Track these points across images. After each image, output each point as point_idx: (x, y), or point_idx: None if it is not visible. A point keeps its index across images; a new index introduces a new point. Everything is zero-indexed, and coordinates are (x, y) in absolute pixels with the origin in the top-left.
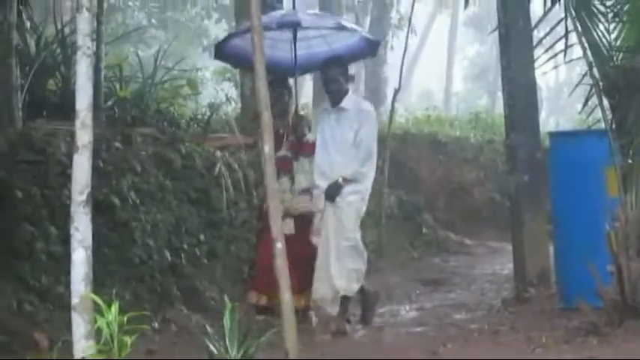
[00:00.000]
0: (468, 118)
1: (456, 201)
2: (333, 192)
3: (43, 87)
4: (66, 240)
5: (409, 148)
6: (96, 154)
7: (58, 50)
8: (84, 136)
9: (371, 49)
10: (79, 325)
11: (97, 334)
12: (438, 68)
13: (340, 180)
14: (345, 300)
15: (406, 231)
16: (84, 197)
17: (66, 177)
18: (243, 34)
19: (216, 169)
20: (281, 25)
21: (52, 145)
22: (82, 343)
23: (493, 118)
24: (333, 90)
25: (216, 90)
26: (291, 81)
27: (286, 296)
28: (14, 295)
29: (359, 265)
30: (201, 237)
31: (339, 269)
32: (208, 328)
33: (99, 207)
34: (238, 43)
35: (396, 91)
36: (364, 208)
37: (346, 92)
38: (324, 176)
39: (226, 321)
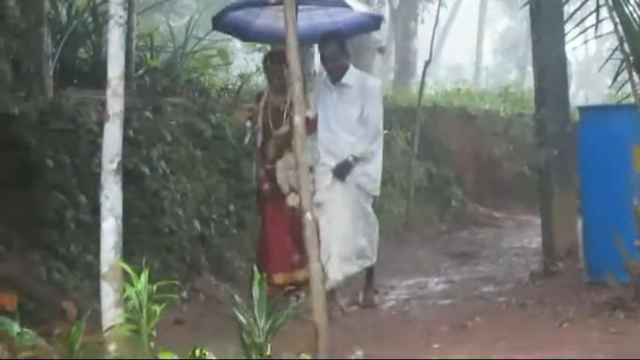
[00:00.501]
0: (498, 91)
1: (485, 174)
2: (342, 170)
3: (74, 55)
4: (95, 209)
5: (439, 121)
6: (126, 123)
7: (90, 19)
8: (115, 104)
9: (374, 22)
10: (108, 294)
11: (126, 302)
12: (468, 42)
13: (350, 158)
14: (369, 271)
15: (435, 204)
16: (114, 166)
17: (96, 146)
18: (244, 7)
19: (246, 140)
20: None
21: (83, 113)
22: (110, 311)
23: (523, 92)
24: (331, 68)
25: (247, 60)
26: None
27: (315, 267)
28: (43, 264)
29: (375, 238)
30: (231, 207)
31: (351, 248)
32: (237, 297)
33: (129, 176)
34: (239, 14)
35: (427, 64)
36: (378, 188)
37: (347, 68)
38: (331, 155)
39: (255, 291)
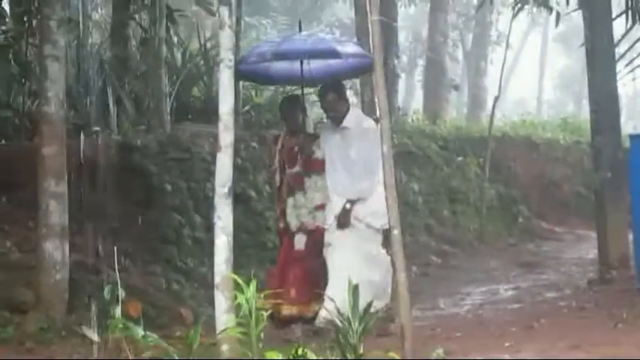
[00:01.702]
0: (558, 122)
1: (547, 194)
2: (343, 220)
3: (188, 94)
4: (209, 227)
5: (507, 148)
6: (235, 153)
7: (202, 62)
8: (226, 136)
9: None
10: (221, 302)
11: (237, 309)
12: (531, 79)
13: (347, 206)
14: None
15: (504, 220)
16: (226, 190)
17: (209, 172)
18: (260, 61)
19: None
20: (277, 56)
21: (197, 144)
22: (223, 317)
23: (579, 122)
24: (331, 116)
25: None
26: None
27: (402, 277)
28: (163, 275)
29: (384, 277)
30: None
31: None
32: (336, 303)
33: (237, 198)
34: (258, 65)
35: (496, 99)
36: (386, 223)
37: (347, 112)
38: (337, 194)
39: (349, 296)
